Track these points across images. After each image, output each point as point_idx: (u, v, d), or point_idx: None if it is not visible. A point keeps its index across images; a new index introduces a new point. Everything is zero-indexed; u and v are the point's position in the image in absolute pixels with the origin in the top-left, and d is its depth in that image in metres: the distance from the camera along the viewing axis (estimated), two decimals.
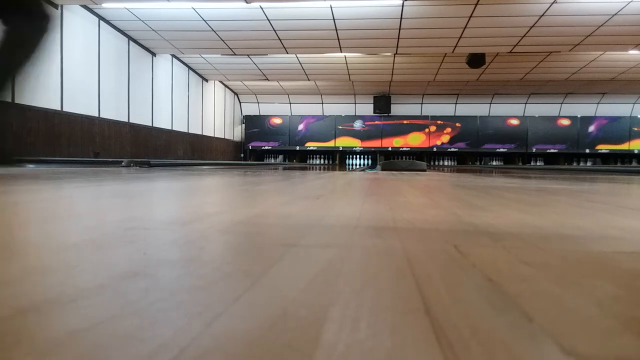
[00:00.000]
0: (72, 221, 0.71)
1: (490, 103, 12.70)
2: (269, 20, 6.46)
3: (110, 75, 6.75)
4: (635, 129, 12.27)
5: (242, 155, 12.98)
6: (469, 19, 6.29)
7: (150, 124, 7.85)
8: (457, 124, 12.57)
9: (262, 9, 6.06)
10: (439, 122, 12.60)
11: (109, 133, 6.66)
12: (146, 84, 7.74)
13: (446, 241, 0.53)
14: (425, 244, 0.51)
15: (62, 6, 5.64)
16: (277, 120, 12.90)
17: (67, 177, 1.83)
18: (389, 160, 10.86)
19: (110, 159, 5.82)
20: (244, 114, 13.20)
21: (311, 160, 13.20)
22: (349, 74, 10.08)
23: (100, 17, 6.45)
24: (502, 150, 12.53)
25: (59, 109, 5.66)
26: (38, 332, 0.24)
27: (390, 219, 0.74)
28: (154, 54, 7.99)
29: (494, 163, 12.72)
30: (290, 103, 13.00)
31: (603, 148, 12.34)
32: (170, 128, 8.62)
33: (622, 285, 0.36)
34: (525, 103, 12.62)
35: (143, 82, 7.66)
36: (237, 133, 13.09)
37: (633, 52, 7.99)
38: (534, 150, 12.44)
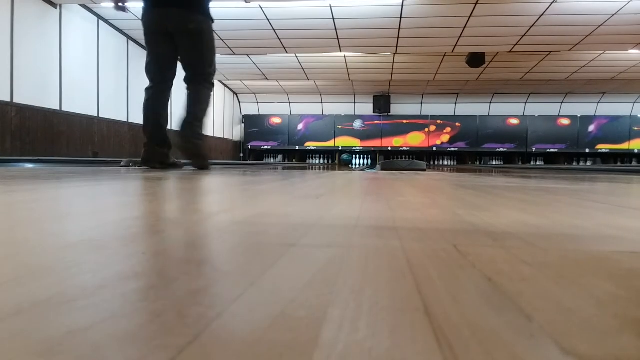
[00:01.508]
0: (76, 220, 0.71)
1: (490, 103, 12.70)
2: (268, 19, 6.46)
3: (110, 74, 6.75)
4: (635, 128, 12.28)
5: (241, 155, 12.99)
6: (469, 19, 6.30)
7: None
8: (457, 124, 12.57)
9: (261, 8, 6.07)
10: (438, 121, 12.60)
11: (108, 133, 6.66)
12: (145, 84, 7.74)
13: (446, 241, 0.53)
14: (425, 244, 0.51)
15: (61, 6, 5.64)
16: (276, 120, 12.90)
17: (66, 177, 1.83)
18: (388, 159, 10.86)
19: (109, 159, 5.82)
20: (243, 114, 13.20)
21: (311, 160, 13.21)
22: (348, 74, 10.09)
23: (99, 17, 6.45)
24: (502, 149, 12.53)
25: (58, 108, 5.66)
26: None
27: (389, 218, 0.74)
28: None
29: (494, 163, 12.73)
30: (289, 103, 13.00)
31: (603, 148, 12.34)
32: (170, 128, 8.62)
33: (622, 285, 0.36)
34: (525, 103, 12.63)
35: (142, 81, 7.66)
36: (236, 133, 13.09)
37: (633, 52, 7.99)
38: (533, 149, 12.44)
